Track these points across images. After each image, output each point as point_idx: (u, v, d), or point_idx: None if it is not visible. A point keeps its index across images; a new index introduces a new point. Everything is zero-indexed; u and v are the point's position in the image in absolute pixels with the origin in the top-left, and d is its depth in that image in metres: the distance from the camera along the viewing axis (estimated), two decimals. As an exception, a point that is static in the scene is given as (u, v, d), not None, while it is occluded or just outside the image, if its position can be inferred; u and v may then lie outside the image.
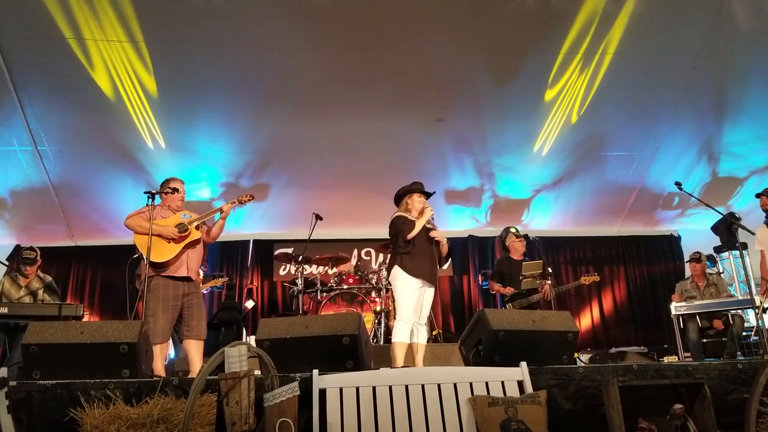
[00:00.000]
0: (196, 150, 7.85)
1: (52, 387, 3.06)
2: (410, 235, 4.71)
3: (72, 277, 8.89)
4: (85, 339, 3.32)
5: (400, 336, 4.62)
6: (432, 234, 4.85)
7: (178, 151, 7.81)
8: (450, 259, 9.37)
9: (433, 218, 4.96)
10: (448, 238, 5.04)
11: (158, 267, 4.58)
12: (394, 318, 5.13)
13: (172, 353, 6.46)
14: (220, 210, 4.87)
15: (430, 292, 4.82)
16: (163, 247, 4.62)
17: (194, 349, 4.67)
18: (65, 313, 5.60)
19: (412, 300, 4.68)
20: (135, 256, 4.88)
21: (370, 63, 6.89)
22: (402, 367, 4.42)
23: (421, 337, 4.76)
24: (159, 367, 4.41)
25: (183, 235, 4.67)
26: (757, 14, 6.57)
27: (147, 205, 4.64)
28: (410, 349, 4.71)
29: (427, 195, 5.03)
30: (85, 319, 6.85)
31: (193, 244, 4.75)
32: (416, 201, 4.95)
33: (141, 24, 6.27)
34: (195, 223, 4.76)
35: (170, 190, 4.86)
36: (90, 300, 8.79)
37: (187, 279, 4.70)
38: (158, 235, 4.57)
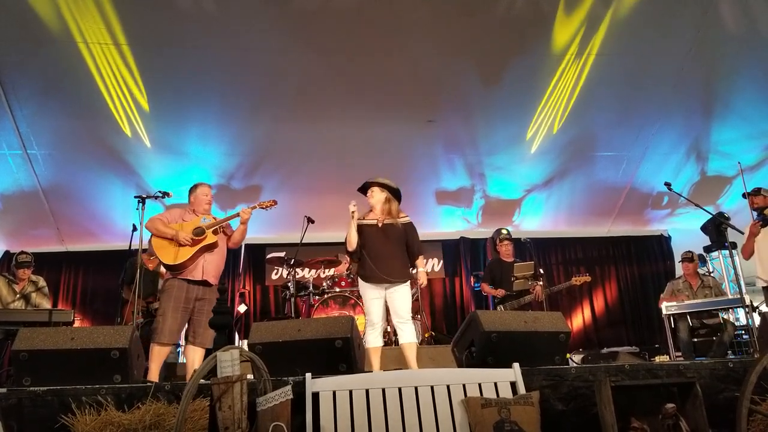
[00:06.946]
0: (187, 152, 7.83)
1: (42, 393, 3.03)
2: (350, 248, 4.68)
3: (62, 283, 8.83)
4: (76, 345, 3.29)
5: (370, 342, 4.55)
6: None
7: (169, 153, 7.78)
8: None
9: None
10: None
11: (173, 269, 4.62)
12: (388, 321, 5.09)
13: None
14: (238, 215, 4.84)
15: (398, 290, 4.61)
16: (177, 249, 4.62)
17: (195, 355, 4.62)
18: (56, 319, 5.59)
19: (375, 306, 4.60)
20: (132, 258, 4.85)
21: (360, 66, 6.90)
22: (394, 369, 4.41)
23: (405, 336, 4.58)
24: (154, 369, 4.37)
25: (198, 239, 4.66)
26: (744, 14, 6.62)
27: (172, 205, 4.64)
28: (400, 352, 4.67)
29: (380, 186, 4.95)
30: (76, 324, 6.81)
31: (210, 248, 4.74)
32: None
33: (130, 27, 6.26)
34: (212, 228, 4.75)
35: (202, 196, 4.94)
36: (81, 305, 8.74)
37: (204, 283, 4.69)
38: (171, 239, 4.61)
